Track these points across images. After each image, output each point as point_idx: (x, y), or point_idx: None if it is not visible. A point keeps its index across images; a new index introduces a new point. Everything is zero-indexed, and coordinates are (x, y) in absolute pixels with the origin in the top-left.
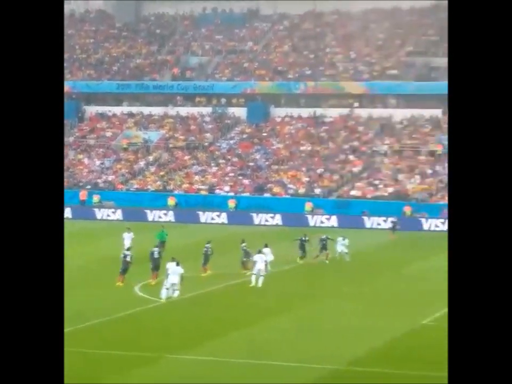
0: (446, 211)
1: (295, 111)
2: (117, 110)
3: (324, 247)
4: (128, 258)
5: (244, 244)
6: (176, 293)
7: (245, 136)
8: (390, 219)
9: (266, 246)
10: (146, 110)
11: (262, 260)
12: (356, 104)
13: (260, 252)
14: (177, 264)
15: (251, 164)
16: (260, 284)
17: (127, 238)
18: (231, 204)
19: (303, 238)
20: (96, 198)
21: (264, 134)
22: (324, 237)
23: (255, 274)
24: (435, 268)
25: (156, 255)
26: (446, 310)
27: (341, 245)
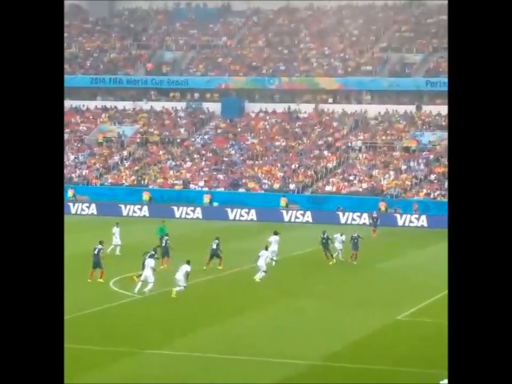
0: (416, 206)
1: (270, 107)
2: (91, 104)
3: (354, 246)
4: (96, 252)
5: (216, 241)
6: (150, 285)
7: (219, 131)
8: (371, 214)
9: (276, 233)
10: (120, 104)
11: (264, 257)
12: (330, 100)
13: (266, 248)
14: (188, 263)
15: (226, 159)
16: (258, 279)
17: (117, 233)
18: (206, 199)
19: (325, 236)
20: (70, 193)
21: (239, 129)
22: (355, 235)
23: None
24: (411, 264)
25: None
26: (420, 305)
27: (339, 243)
